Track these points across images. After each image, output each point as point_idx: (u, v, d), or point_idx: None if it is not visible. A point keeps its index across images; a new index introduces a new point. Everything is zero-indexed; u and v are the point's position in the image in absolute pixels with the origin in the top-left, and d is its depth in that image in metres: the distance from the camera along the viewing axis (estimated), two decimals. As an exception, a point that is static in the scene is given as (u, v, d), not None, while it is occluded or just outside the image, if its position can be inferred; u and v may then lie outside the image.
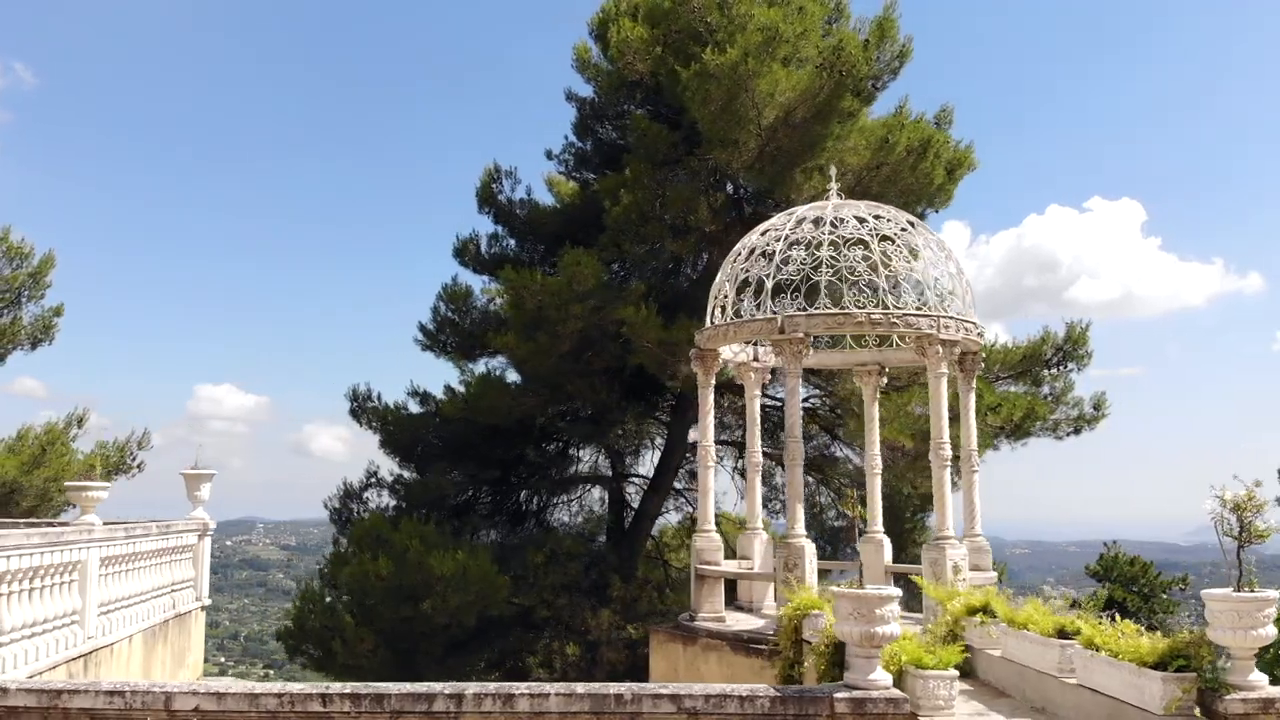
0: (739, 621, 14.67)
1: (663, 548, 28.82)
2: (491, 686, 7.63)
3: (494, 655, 24.71)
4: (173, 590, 16.10)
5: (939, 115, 23.88)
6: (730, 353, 16.02)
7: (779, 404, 27.34)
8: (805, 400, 27.28)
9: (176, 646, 16.47)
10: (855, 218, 14.24)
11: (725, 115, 20.38)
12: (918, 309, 13.57)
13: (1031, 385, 24.92)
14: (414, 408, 27.43)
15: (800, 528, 13.37)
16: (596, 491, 28.87)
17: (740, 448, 29.22)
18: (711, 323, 14.99)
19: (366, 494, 29.04)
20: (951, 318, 13.56)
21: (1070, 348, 24.77)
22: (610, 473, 28.09)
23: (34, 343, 35.67)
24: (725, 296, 14.85)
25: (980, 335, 14.27)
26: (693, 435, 28.00)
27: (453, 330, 26.42)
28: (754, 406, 16.54)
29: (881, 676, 7.75)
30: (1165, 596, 29.72)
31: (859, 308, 13.32)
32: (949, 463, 13.59)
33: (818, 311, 13.36)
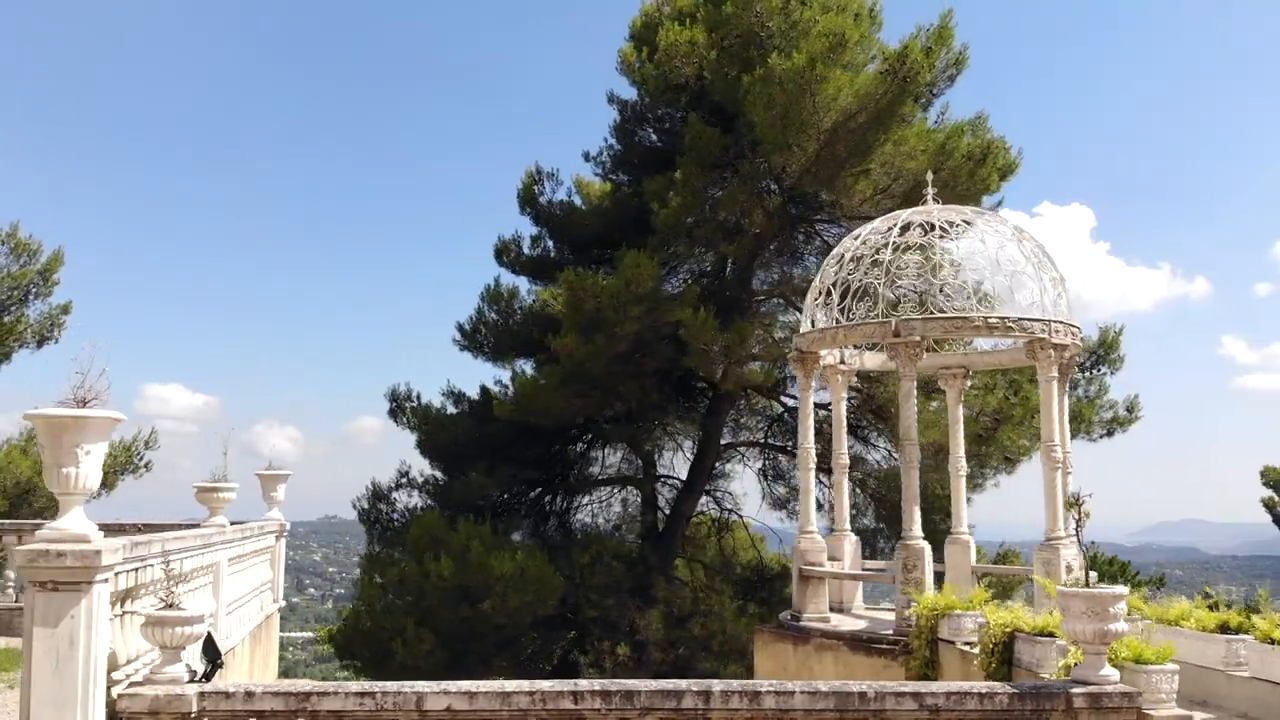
0: (843, 622, 14.85)
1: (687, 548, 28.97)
2: (735, 684, 7.70)
3: (526, 655, 24.70)
4: (259, 592, 15.99)
5: (974, 121, 24.23)
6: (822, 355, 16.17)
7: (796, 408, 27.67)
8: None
9: (264, 648, 16.35)
10: (960, 222, 14.49)
11: (787, 119, 20.58)
12: (1030, 313, 13.83)
13: (1066, 388, 25.36)
14: (451, 409, 27.40)
15: (918, 529, 13.58)
16: (621, 492, 28.98)
17: (762, 448, 29.55)
18: (811, 326, 15.15)
19: (395, 495, 29.00)
20: (1061, 322, 13.85)
21: (1104, 352, 25.34)
22: (641, 474, 28.16)
23: (40, 341, 35.06)
24: (828, 299, 15.01)
25: (1081, 340, 14.56)
26: (726, 438, 28.24)
27: (490, 331, 26.40)
28: (840, 409, 16.75)
29: (1111, 672, 7.95)
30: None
31: (974, 311, 13.55)
32: (1060, 464, 13.85)
33: (934, 315, 13.59)
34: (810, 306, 15.41)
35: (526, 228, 27.35)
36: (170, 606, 7.57)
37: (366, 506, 29.65)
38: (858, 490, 27.45)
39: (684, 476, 28.21)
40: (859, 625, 14.60)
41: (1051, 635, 9.83)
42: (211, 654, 7.81)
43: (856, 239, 15.22)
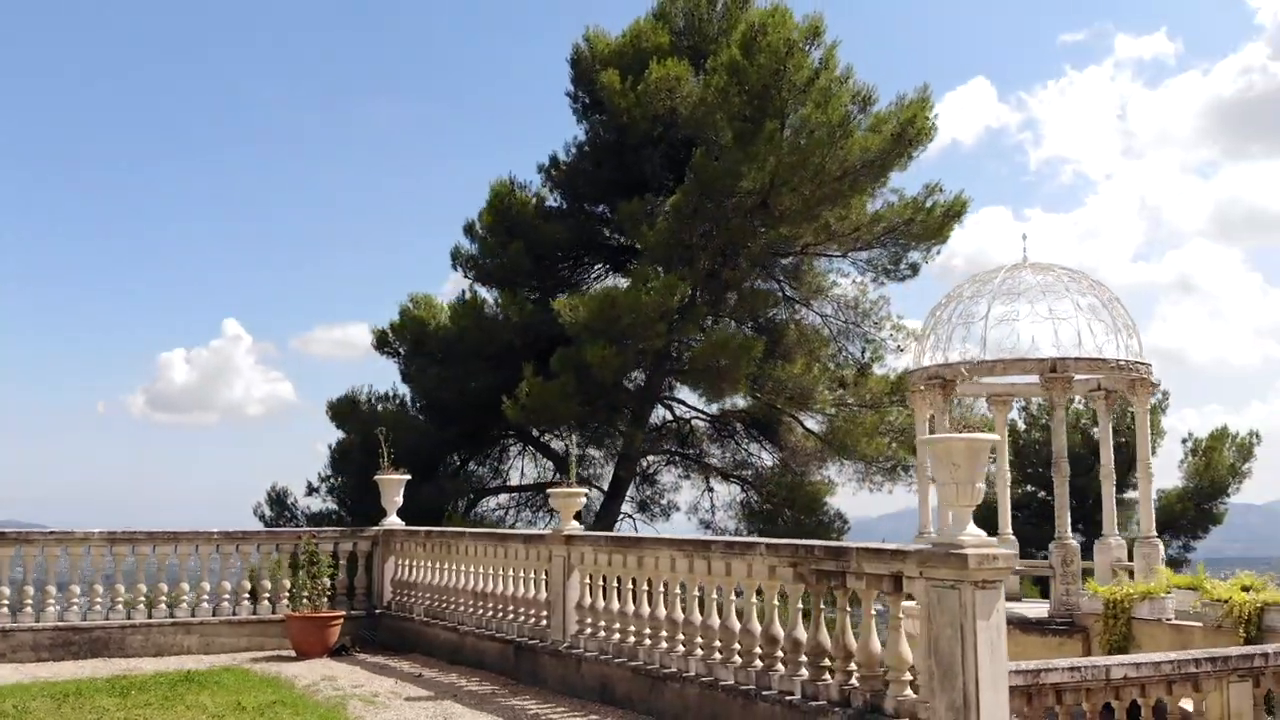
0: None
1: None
2: (1271, 647, 10.18)
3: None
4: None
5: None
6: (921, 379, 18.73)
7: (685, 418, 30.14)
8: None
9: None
10: (1054, 272, 17.83)
11: (802, 167, 23.06)
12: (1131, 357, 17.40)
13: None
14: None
15: (1068, 530, 16.66)
16: (539, 496, 29.81)
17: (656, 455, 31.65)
18: (942, 358, 17.83)
19: (307, 501, 28.05)
20: (1149, 364, 17.55)
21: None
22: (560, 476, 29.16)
23: None
24: (938, 337, 17.77)
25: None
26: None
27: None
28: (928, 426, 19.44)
29: None
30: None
31: (1112, 354, 16.91)
32: (1153, 477, 17.51)
33: (1084, 355, 16.74)
34: (938, 339, 18.07)
35: (463, 238, 27.78)
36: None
37: (271, 514, 28.30)
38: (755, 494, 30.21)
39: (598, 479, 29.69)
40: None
41: (1301, 606, 13.23)
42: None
43: (972, 283, 18.13)
